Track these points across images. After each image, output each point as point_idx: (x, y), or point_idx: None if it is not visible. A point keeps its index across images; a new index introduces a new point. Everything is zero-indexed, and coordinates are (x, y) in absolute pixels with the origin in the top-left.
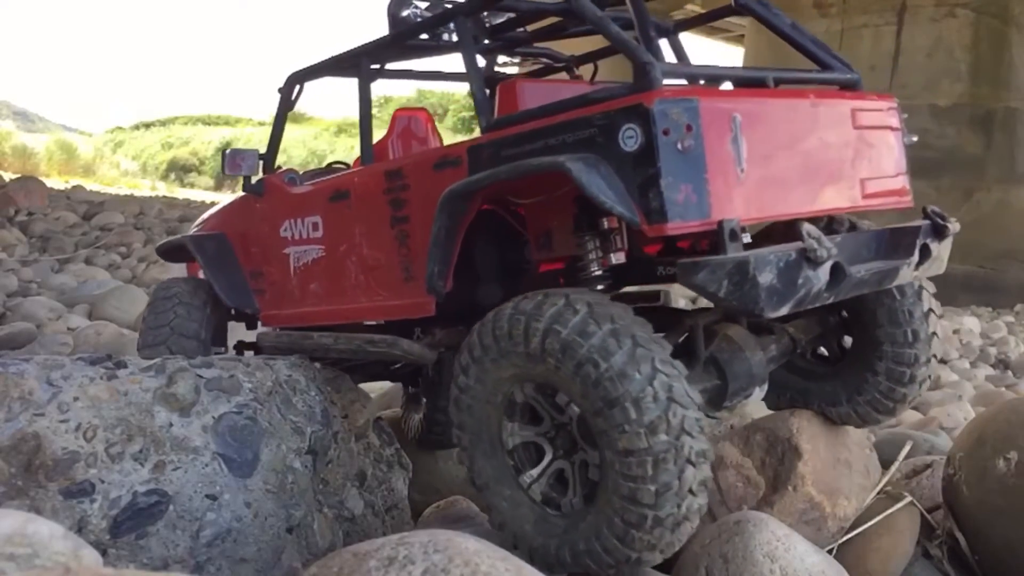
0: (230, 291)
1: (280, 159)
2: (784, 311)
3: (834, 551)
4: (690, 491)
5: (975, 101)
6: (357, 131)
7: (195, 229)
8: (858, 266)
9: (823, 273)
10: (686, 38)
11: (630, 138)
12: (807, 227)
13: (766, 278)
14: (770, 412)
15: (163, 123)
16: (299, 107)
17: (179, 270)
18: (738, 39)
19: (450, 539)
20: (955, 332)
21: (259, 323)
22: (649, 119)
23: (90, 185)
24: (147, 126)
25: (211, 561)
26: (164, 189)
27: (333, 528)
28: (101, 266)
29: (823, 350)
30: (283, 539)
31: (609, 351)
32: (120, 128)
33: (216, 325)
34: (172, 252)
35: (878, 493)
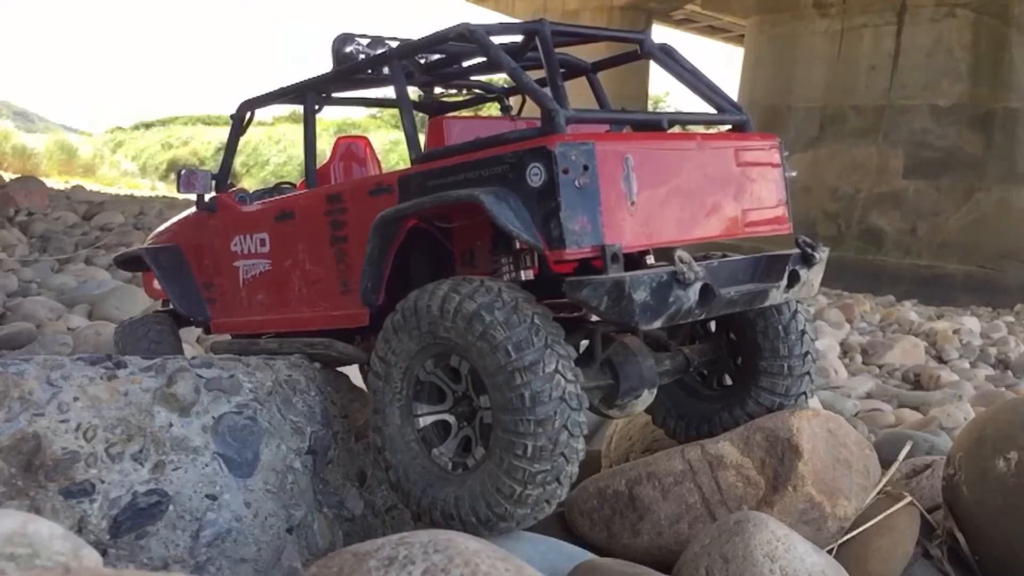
0: (183, 300)
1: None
2: (657, 324)
3: (834, 551)
4: (563, 455)
5: (975, 101)
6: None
7: (150, 241)
8: (730, 288)
9: (693, 293)
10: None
11: (535, 175)
12: (679, 253)
13: (640, 295)
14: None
15: (163, 123)
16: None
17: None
18: (738, 39)
19: (450, 539)
20: (955, 332)
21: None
22: (552, 160)
23: (90, 185)
24: (147, 126)
25: (211, 561)
26: (164, 189)
27: (333, 528)
28: (101, 266)
29: (728, 379)
30: (283, 539)
31: (515, 329)
32: (120, 128)
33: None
34: (128, 263)
35: (878, 493)
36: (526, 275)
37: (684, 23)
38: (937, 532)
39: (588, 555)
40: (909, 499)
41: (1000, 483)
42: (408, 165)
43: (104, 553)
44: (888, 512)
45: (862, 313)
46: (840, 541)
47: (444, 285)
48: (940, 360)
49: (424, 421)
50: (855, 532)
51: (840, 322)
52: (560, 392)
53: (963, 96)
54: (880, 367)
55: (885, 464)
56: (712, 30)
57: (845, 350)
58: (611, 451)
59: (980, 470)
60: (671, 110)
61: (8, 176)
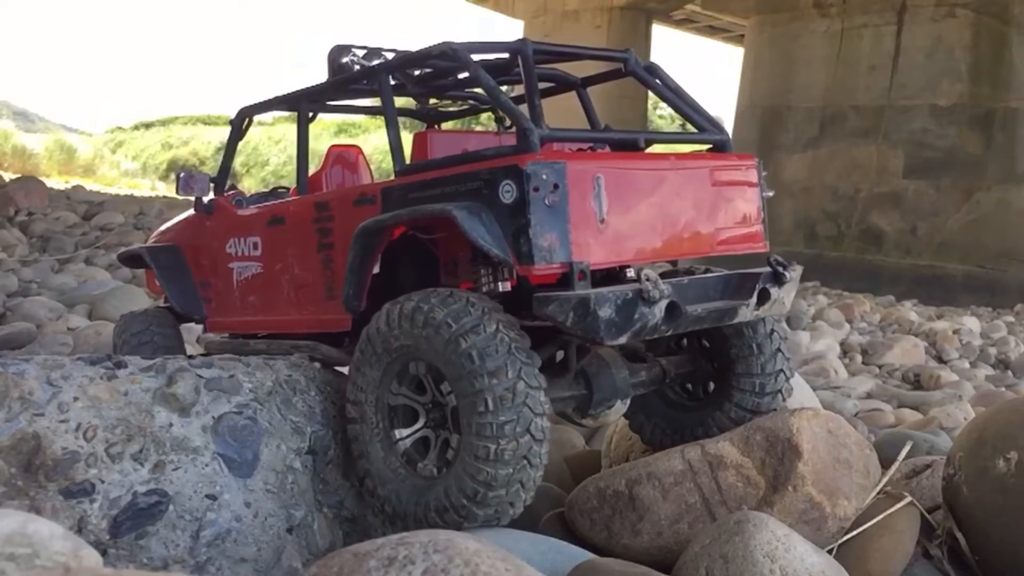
0: (181, 298)
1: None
2: (622, 340)
3: (834, 551)
4: (526, 405)
5: (975, 101)
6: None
7: (152, 240)
8: (697, 305)
9: (658, 310)
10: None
11: (507, 192)
12: (645, 271)
13: (605, 312)
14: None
15: (163, 123)
16: None
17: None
18: (738, 39)
19: (450, 539)
20: (955, 332)
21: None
22: (523, 178)
23: (90, 185)
24: (147, 126)
25: (211, 561)
26: (164, 189)
27: (333, 528)
28: (101, 266)
29: (712, 385)
30: (283, 539)
31: (485, 344)
32: (120, 128)
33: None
34: (131, 260)
35: (878, 493)
36: (503, 286)
37: (684, 23)
38: (937, 532)
39: (588, 555)
40: (909, 499)
41: (1000, 483)
42: None
43: (104, 553)
44: (888, 512)
45: (862, 313)
46: (840, 541)
47: (384, 307)
48: (940, 360)
49: (404, 444)
50: (855, 532)
51: (840, 322)
52: (507, 347)
53: (963, 96)
54: (880, 367)
55: (885, 464)
56: (712, 30)
57: (845, 350)
58: (611, 451)
59: (980, 470)
60: (668, 112)
61: (8, 176)
